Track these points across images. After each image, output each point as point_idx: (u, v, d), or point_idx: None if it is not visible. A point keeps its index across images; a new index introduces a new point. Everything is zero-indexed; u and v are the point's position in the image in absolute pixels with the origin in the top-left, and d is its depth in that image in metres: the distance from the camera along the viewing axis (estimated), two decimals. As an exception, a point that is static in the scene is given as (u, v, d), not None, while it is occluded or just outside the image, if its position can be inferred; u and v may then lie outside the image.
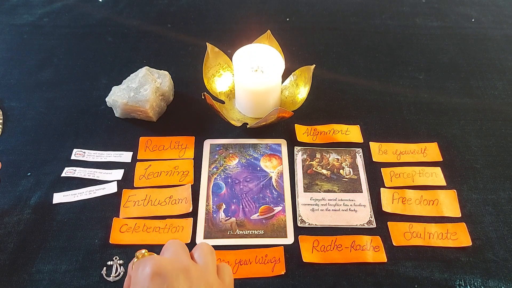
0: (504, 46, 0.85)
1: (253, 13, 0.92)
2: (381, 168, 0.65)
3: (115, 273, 0.54)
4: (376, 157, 0.67)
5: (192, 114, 0.72)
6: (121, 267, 0.55)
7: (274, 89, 0.68)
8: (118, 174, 0.64)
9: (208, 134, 0.69)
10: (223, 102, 0.72)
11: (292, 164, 0.66)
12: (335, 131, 0.69)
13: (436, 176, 0.64)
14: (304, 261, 0.55)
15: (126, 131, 0.70)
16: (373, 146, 0.68)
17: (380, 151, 0.67)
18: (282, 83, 0.71)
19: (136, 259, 0.38)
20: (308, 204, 0.61)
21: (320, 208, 0.61)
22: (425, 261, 0.56)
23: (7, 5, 0.93)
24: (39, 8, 0.92)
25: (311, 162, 0.66)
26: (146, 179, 0.63)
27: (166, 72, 0.73)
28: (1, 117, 0.71)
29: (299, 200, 0.62)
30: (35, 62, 0.81)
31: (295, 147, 0.68)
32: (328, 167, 0.66)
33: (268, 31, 0.73)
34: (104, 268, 0.55)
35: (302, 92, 0.70)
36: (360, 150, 0.68)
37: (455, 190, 0.63)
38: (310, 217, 0.60)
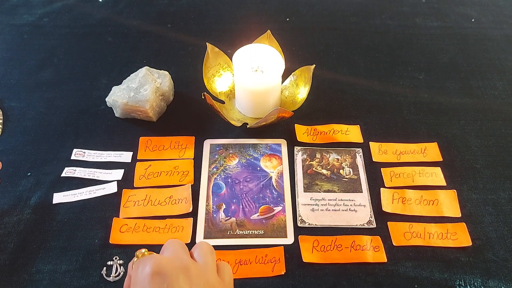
0: (504, 46, 0.85)
1: (253, 13, 0.92)
2: (381, 168, 0.65)
3: (115, 273, 0.54)
4: (376, 157, 0.67)
5: (192, 114, 0.72)
6: (121, 267, 0.55)
7: (274, 89, 0.68)
8: (118, 174, 0.64)
9: (208, 134, 0.69)
10: (223, 102, 0.72)
11: (292, 164, 0.66)
12: (335, 131, 0.69)
13: (436, 176, 0.64)
14: (304, 261, 0.55)
15: (126, 131, 0.70)
16: (373, 146, 0.68)
17: (380, 151, 0.67)
18: (282, 83, 0.71)
19: (136, 259, 0.38)
20: (308, 204, 0.61)
21: (320, 208, 0.61)
22: (425, 261, 0.56)
23: (7, 5, 0.93)
24: (39, 8, 0.92)
25: (311, 162, 0.66)
26: (146, 179, 0.63)
27: (166, 72, 0.73)
28: (1, 117, 0.71)
29: (299, 200, 0.62)
30: (35, 62, 0.81)
31: (295, 147, 0.68)
32: (328, 167, 0.66)
33: (268, 31, 0.73)
34: (104, 268, 0.55)
35: (302, 92, 0.70)
36: (360, 150, 0.68)
37: (455, 190, 0.63)
38: (310, 217, 0.60)
